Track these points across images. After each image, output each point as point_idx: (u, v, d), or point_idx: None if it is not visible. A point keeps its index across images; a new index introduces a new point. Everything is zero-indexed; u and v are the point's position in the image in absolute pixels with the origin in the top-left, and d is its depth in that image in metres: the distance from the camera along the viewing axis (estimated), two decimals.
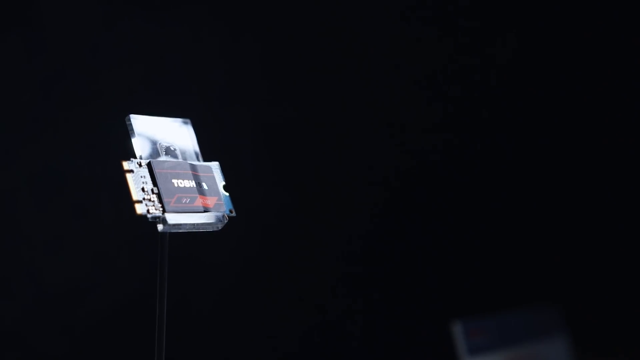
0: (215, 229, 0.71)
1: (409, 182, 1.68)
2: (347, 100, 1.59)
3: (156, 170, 0.67)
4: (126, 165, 0.66)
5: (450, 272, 1.71)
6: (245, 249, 1.44)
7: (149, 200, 0.66)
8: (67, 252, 1.27)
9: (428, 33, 1.70)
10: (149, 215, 0.65)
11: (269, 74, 1.51)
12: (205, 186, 0.70)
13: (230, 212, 0.71)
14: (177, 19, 1.40)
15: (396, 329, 1.63)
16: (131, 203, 0.65)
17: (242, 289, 1.45)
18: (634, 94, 1.83)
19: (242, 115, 1.47)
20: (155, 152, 0.69)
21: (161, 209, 0.66)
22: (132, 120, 0.69)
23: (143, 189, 0.66)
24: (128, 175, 0.66)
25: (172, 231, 0.67)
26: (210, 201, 0.70)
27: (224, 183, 0.72)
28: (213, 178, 0.72)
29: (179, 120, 0.73)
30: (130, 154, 0.68)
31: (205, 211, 0.69)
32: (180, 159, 0.71)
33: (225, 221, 0.71)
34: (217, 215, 0.70)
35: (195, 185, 0.69)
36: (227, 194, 0.72)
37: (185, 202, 0.68)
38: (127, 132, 0.69)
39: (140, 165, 0.67)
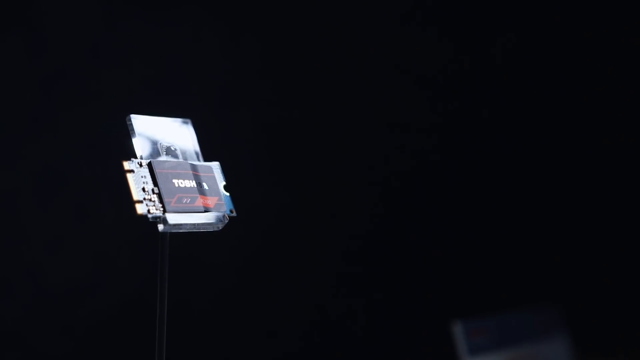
0: (215, 229, 0.70)
1: (409, 182, 1.68)
2: (347, 100, 1.59)
3: (157, 170, 0.67)
4: (127, 165, 0.66)
5: (450, 272, 1.71)
6: (246, 249, 1.44)
7: (150, 200, 0.66)
8: (68, 252, 1.27)
9: (428, 33, 1.70)
10: (149, 215, 0.65)
11: (270, 74, 1.51)
12: (205, 186, 0.70)
13: (231, 212, 0.71)
14: (178, 19, 1.40)
15: (396, 329, 1.63)
16: (132, 203, 0.65)
17: (242, 289, 1.45)
18: (634, 94, 1.83)
19: (243, 115, 1.47)
20: (155, 152, 0.69)
21: (162, 209, 0.66)
22: (132, 120, 0.69)
23: (144, 189, 0.66)
24: (129, 175, 0.66)
25: (173, 231, 0.67)
26: (211, 201, 0.70)
27: (224, 183, 0.72)
28: (213, 178, 0.72)
29: (179, 120, 0.73)
30: (130, 154, 0.68)
31: (205, 211, 0.69)
32: (180, 159, 0.71)
33: (226, 221, 0.71)
34: (217, 215, 0.70)
35: (195, 185, 0.69)
36: (228, 194, 0.72)
37: (185, 202, 0.68)
38: (127, 132, 0.69)
39: (140, 165, 0.67)
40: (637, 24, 1.82)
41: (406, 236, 1.67)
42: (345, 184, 1.59)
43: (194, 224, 0.68)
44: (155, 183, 0.67)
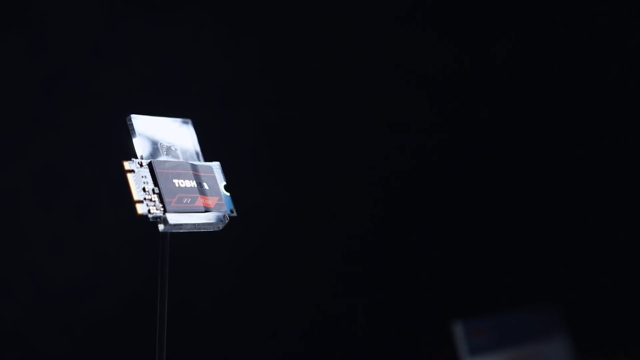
0: (216, 229, 0.71)
1: (409, 182, 1.68)
2: (347, 100, 1.59)
3: (157, 170, 0.67)
4: (127, 165, 0.66)
5: (450, 272, 1.71)
6: (246, 249, 1.44)
7: (150, 200, 0.66)
8: (68, 252, 1.27)
9: (428, 33, 1.70)
10: (150, 215, 0.65)
11: (270, 74, 1.51)
12: (206, 186, 0.70)
13: (231, 212, 0.71)
14: (178, 19, 1.40)
15: (397, 329, 1.63)
16: (132, 203, 0.65)
17: (242, 289, 1.45)
18: (634, 94, 1.83)
19: (243, 115, 1.47)
20: (156, 152, 0.69)
21: (162, 209, 0.66)
22: (133, 120, 0.69)
23: (144, 189, 0.66)
24: (129, 175, 0.66)
25: (173, 231, 0.67)
26: (211, 201, 0.70)
27: (224, 183, 0.72)
28: (214, 178, 0.72)
29: (179, 120, 0.73)
30: (131, 154, 0.68)
31: (206, 211, 0.69)
32: (181, 159, 0.71)
33: (226, 221, 0.71)
34: (218, 215, 0.70)
35: (196, 185, 0.69)
36: (228, 194, 0.72)
37: (186, 202, 0.68)
38: (128, 132, 0.69)
39: (141, 165, 0.67)
40: (637, 24, 1.82)
41: (406, 236, 1.67)
42: (345, 184, 1.59)
43: (194, 224, 0.68)
44: (155, 183, 0.67)
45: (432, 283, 1.69)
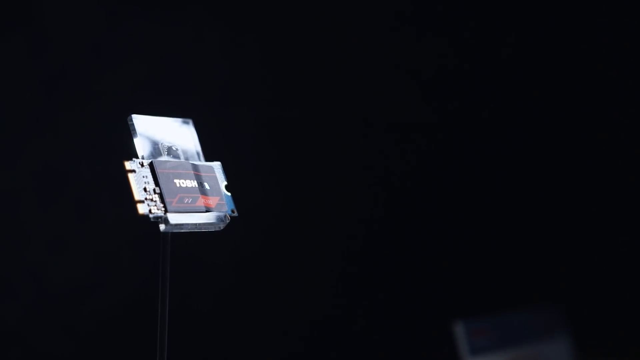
0: (217, 229, 0.70)
1: (410, 181, 1.68)
2: (347, 100, 1.59)
3: (158, 170, 0.67)
4: (128, 165, 0.66)
5: (451, 272, 1.71)
6: (247, 249, 1.44)
7: (151, 200, 0.66)
8: (69, 252, 1.27)
9: (428, 33, 1.70)
10: (151, 215, 0.65)
11: (271, 74, 1.51)
12: (207, 186, 0.70)
13: (232, 212, 0.71)
14: (179, 19, 1.40)
15: (397, 329, 1.63)
16: (133, 203, 0.65)
17: (243, 289, 1.45)
18: (634, 95, 1.83)
19: (244, 115, 1.47)
20: (157, 152, 0.69)
21: (163, 209, 0.66)
22: (134, 120, 0.69)
23: (145, 189, 0.66)
24: (130, 175, 0.66)
25: (174, 231, 0.67)
26: (212, 201, 0.70)
27: (225, 183, 0.72)
28: (215, 178, 0.72)
29: (180, 120, 0.73)
30: (132, 154, 0.68)
31: (207, 211, 0.69)
32: (182, 159, 0.71)
33: (227, 221, 0.71)
34: (219, 215, 0.70)
35: (197, 185, 0.69)
36: (229, 194, 0.72)
37: (187, 202, 0.68)
38: (129, 132, 0.69)
39: (142, 165, 0.67)
40: (637, 23, 1.82)
41: (406, 236, 1.67)
42: (346, 184, 1.59)
43: (195, 224, 0.68)
44: (156, 183, 0.67)
45: (433, 283, 1.69)
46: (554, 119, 1.85)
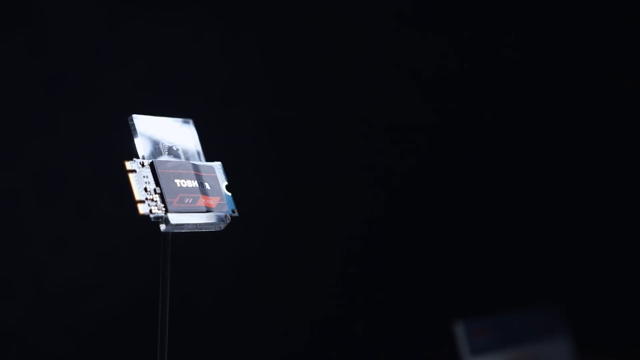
0: (217, 229, 0.71)
1: (410, 181, 1.68)
2: (348, 100, 1.59)
3: (159, 170, 0.67)
4: (129, 165, 0.66)
5: (452, 272, 1.71)
6: (247, 249, 1.44)
7: (152, 200, 0.66)
8: (70, 252, 1.27)
9: (428, 33, 1.70)
10: (151, 215, 0.65)
11: (271, 74, 1.51)
12: (207, 186, 0.70)
13: (233, 212, 0.71)
14: (179, 19, 1.40)
15: (397, 329, 1.63)
16: (134, 203, 0.65)
17: (244, 289, 1.45)
18: (634, 95, 1.83)
19: (244, 115, 1.47)
20: (157, 152, 0.69)
21: (164, 209, 0.66)
22: (134, 120, 0.69)
23: (146, 189, 0.66)
24: (131, 175, 0.66)
25: (175, 231, 0.67)
26: (213, 201, 0.70)
27: (226, 183, 0.72)
28: (215, 178, 0.72)
29: (181, 120, 0.73)
30: (132, 154, 0.68)
31: (207, 211, 0.69)
32: (182, 159, 0.71)
33: (228, 221, 0.71)
34: (219, 216, 0.70)
35: (197, 185, 0.69)
36: (230, 194, 0.72)
37: (187, 202, 0.68)
38: (129, 132, 0.69)
39: (142, 165, 0.67)
40: (638, 23, 1.82)
41: (406, 236, 1.67)
42: (346, 184, 1.59)
43: (196, 224, 0.68)
44: (157, 183, 0.67)
45: (433, 283, 1.69)
46: (554, 119, 1.85)
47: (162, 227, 0.66)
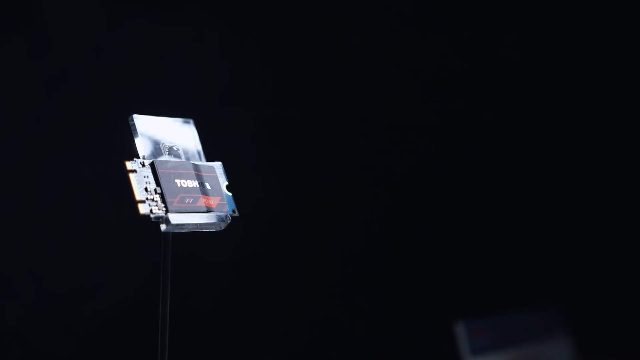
0: (218, 229, 0.71)
1: (410, 181, 1.68)
2: (348, 100, 1.59)
3: (159, 170, 0.67)
4: (129, 165, 0.66)
5: (452, 272, 1.71)
6: (248, 249, 1.44)
7: (152, 200, 0.66)
8: (70, 252, 1.27)
9: (428, 33, 1.70)
10: (152, 215, 0.65)
11: (271, 74, 1.51)
12: (208, 186, 0.70)
13: (233, 212, 0.71)
14: (179, 19, 1.40)
15: (398, 329, 1.63)
16: (134, 203, 0.65)
17: (244, 289, 1.45)
18: (634, 95, 1.83)
19: (244, 115, 1.47)
20: (158, 152, 0.69)
21: (164, 209, 0.66)
22: (135, 120, 0.69)
23: (146, 189, 0.66)
24: (131, 175, 0.66)
25: (175, 231, 0.67)
26: (213, 201, 0.70)
27: (226, 183, 0.72)
28: (216, 178, 0.72)
29: (181, 120, 0.73)
30: (133, 154, 0.68)
31: (208, 211, 0.69)
32: (183, 159, 0.71)
33: (228, 221, 0.71)
34: (220, 216, 0.70)
35: (198, 185, 0.69)
36: (230, 194, 0.72)
37: (188, 202, 0.68)
38: (130, 132, 0.69)
39: (143, 165, 0.67)
40: (638, 23, 1.82)
41: (407, 236, 1.67)
42: (347, 183, 1.59)
43: (196, 224, 0.68)
44: (157, 183, 0.67)
45: (433, 283, 1.69)
46: (554, 119, 1.85)
47: (163, 227, 0.66)
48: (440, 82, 1.73)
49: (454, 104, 1.75)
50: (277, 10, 1.51)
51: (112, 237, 1.30)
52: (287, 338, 1.49)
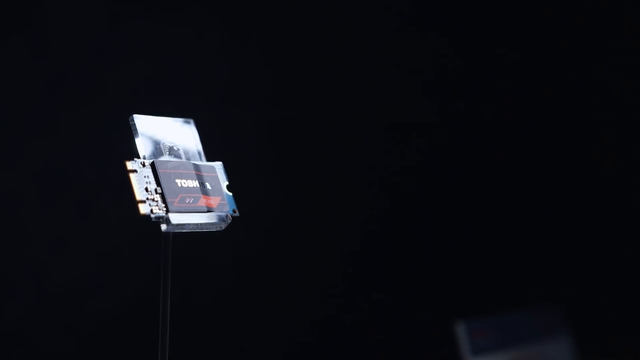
0: (218, 229, 0.71)
1: (410, 181, 1.68)
2: (348, 100, 1.59)
3: (160, 170, 0.67)
4: (130, 165, 0.66)
5: (453, 272, 1.71)
6: (248, 248, 1.44)
7: (153, 200, 0.66)
8: (70, 252, 1.27)
9: (429, 33, 1.70)
10: (152, 215, 0.65)
11: (272, 74, 1.51)
12: (208, 186, 0.70)
13: (234, 212, 0.71)
14: (180, 19, 1.40)
15: (398, 329, 1.63)
16: (135, 203, 0.65)
17: (245, 289, 1.45)
18: (634, 95, 1.83)
19: (245, 115, 1.47)
20: (158, 152, 0.69)
21: (165, 209, 0.66)
22: (135, 120, 0.69)
23: (147, 189, 0.66)
24: (131, 175, 0.66)
25: (176, 231, 0.67)
26: (214, 201, 0.70)
27: (227, 183, 0.72)
28: (216, 178, 0.72)
29: (181, 120, 0.73)
30: (133, 154, 0.68)
31: (208, 211, 0.69)
32: (183, 159, 0.71)
33: (229, 221, 0.71)
34: (220, 215, 0.70)
35: (198, 185, 0.69)
36: (231, 194, 0.72)
37: (188, 202, 0.68)
38: (130, 132, 0.69)
39: (143, 165, 0.67)
40: (638, 23, 1.82)
41: (407, 236, 1.67)
42: (348, 183, 1.59)
43: (196, 224, 0.68)
44: (158, 183, 0.67)
45: (434, 283, 1.69)
46: (554, 119, 1.85)
47: (163, 227, 0.66)
48: (440, 82, 1.73)
49: (454, 104, 1.75)
50: (277, 10, 1.51)
51: (112, 237, 1.30)
52: (287, 338, 1.49)
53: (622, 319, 1.77)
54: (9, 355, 1.23)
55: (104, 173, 1.28)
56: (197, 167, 0.70)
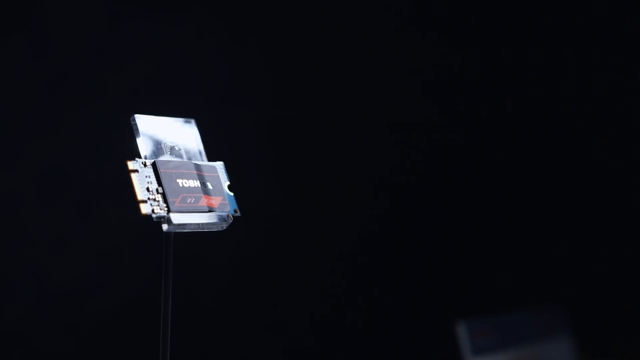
0: (219, 229, 0.71)
1: (411, 181, 1.68)
2: (349, 100, 1.59)
3: (161, 170, 0.67)
4: (131, 165, 0.66)
5: (453, 272, 1.71)
6: (249, 248, 1.44)
7: (154, 200, 0.66)
8: (71, 252, 1.27)
9: (429, 33, 1.70)
10: (153, 215, 0.65)
11: (273, 74, 1.51)
12: (209, 186, 0.70)
13: (235, 212, 0.71)
14: (180, 19, 1.40)
15: (399, 329, 1.63)
16: (136, 203, 0.65)
17: (246, 289, 1.45)
18: (634, 95, 1.83)
19: (246, 115, 1.47)
20: (159, 152, 0.69)
21: (166, 208, 0.66)
22: (136, 120, 0.69)
23: (148, 189, 0.66)
24: (133, 175, 0.66)
25: (177, 231, 0.67)
26: (215, 201, 0.70)
27: (228, 183, 0.72)
28: (217, 178, 0.72)
29: (183, 119, 0.73)
30: (134, 154, 0.68)
31: (209, 211, 0.69)
32: (184, 159, 0.71)
33: (230, 221, 0.71)
34: (221, 215, 0.70)
35: (199, 185, 0.69)
36: (232, 193, 0.72)
37: (189, 202, 0.68)
38: (131, 132, 0.69)
39: (145, 165, 0.67)
40: (638, 23, 1.82)
41: (407, 236, 1.67)
42: (349, 183, 1.59)
43: (198, 224, 0.68)
44: (159, 183, 0.67)
45: (434, 283, 1.69)
46: (554, 119, 1.85)
47: (165, 227, 0.66)
48: (440, 82, 1.73)
49: (454, 104, 1.75)
50: (277, 10, 1.51)
51: (113, 237, 1.30)
52: (287, 338, 1.49)
53: (623, 319, 1.77)
54: (9, 355, 1.23)
55: (105, 173, 1.28)
56: (198, 167, 0.70)
